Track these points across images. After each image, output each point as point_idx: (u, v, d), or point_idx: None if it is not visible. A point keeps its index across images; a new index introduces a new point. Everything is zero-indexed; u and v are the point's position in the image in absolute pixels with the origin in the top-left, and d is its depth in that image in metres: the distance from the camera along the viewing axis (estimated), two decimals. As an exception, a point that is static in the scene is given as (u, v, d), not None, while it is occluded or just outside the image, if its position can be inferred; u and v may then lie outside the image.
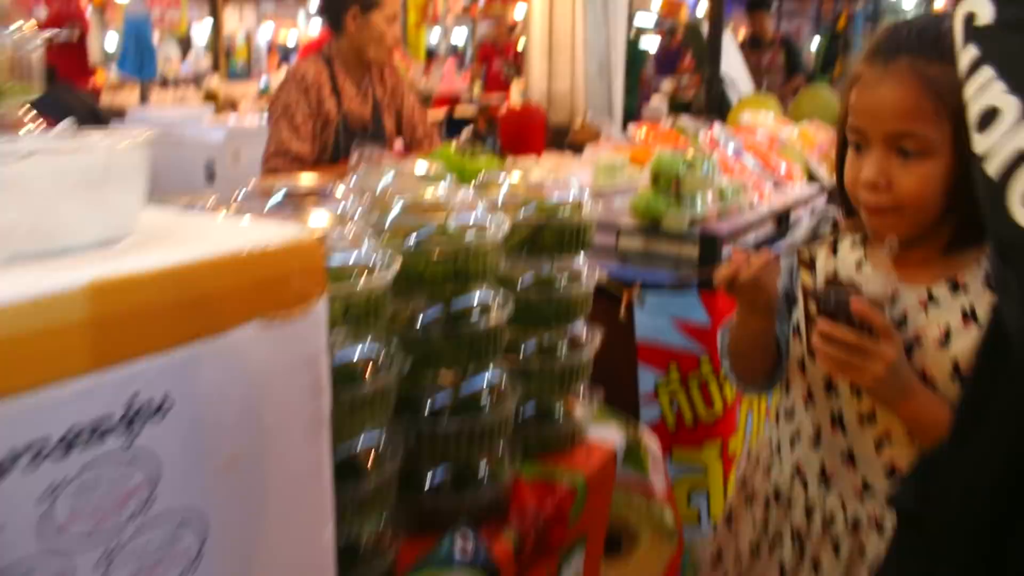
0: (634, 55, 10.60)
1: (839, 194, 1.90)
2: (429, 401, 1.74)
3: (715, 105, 4.96)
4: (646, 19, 15.46)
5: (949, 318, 1.72)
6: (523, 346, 2.05)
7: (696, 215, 3.18)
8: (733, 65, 5.88)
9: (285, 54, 15.20)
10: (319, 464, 1.21)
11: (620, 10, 8.84)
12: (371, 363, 1.51)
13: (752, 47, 8.54)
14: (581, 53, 8.83)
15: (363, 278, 1.46)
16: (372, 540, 1.57)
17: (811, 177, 4.36)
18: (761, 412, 3.61)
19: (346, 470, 1.48)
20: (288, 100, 4.03)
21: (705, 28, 5.79)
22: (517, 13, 12.32)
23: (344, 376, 1.45)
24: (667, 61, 12.90)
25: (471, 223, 1.75)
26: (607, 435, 2.22)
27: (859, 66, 1.75)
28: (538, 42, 9.34)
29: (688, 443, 3.20)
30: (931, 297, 1.75)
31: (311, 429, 1.18)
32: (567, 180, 2.07)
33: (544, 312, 2.02)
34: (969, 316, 1.70)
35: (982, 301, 1.70)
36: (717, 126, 4.21)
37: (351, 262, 1.47)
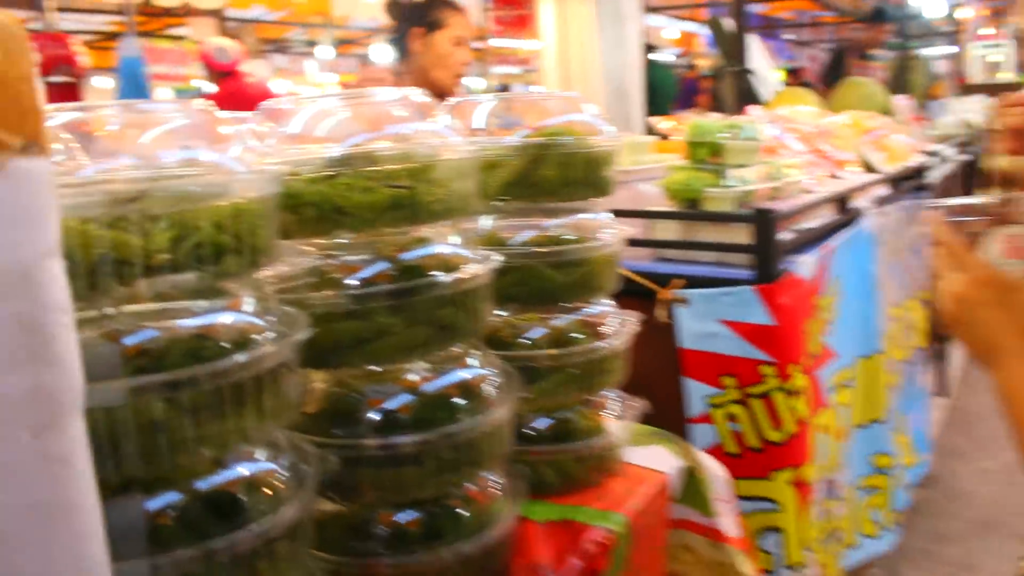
0: (665, 81, 10.07)
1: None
2: (371, 408, 1.09)
3: (745, 100, 4.32)
4: (662, 56, 15.03)
5: None
6: (524, 332, 1.39)
7: (744, 192, 2.52)
8: (760, 63, 5.25)
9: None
10: (53, 492, 0.56)
11: (633, 35, 8.33)
12: (246, 330, 0.87)
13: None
14: (599, 80, 8.30)
15: (222, 186, 0.83)
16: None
17: (866, 167, 3.72)
18: (832, 431, 2.91)
19: (210, 509, 0.84)
20: None
21: (727, 21, 5.15)
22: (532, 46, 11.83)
23: (193, 350, 0.81)
24: (685, 95, 12.36)
25: (431, 135, 1.11)
26: (654, 460, 1.55)
27: None
28: (553, 73, 8.83)
29: (754, 472, 2.51)
30: None
31: (24, 413, 0.54)
32: (574, 100, 1.43)
33: (552, 283, 1.37)
34: None
35: None
36: (752, 109, 3.57)
37: (205, 166, 0.84)
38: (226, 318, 0.88)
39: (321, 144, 1.08)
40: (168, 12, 11.39)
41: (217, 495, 0.87)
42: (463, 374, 1.17)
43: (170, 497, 0.84)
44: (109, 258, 0.76)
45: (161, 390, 0.79)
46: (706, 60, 14.36)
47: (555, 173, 1.33)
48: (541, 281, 1.36)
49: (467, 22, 3.90)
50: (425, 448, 1.08)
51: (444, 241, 1.16)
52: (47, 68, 6.12)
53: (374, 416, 1.10)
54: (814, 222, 2.81)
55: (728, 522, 1.63)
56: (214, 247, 0.82)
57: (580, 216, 1.43)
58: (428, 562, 1.12)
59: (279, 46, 16.77)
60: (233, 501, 0.88)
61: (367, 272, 1.08)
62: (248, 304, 0.92)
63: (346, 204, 1.03)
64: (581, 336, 1.43)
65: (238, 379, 0.83)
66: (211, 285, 0.88)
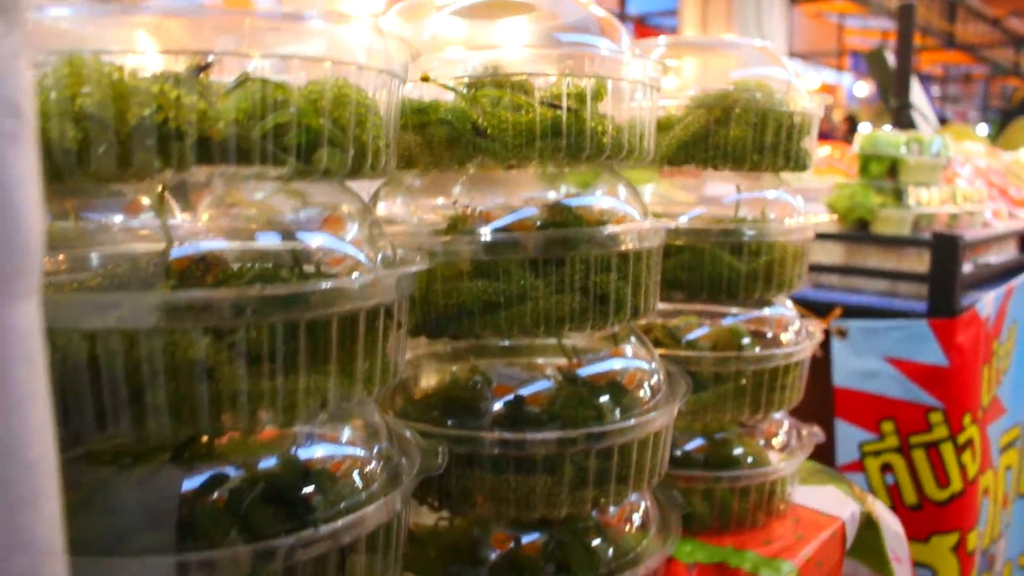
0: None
1: None
2: (497, 395, 0.82)
3: (906, 136, 3.90)
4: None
5: None
6: (683, 329, 1.11)
7: (922, 215, 2.17)
8: (920, 99, 4.82)
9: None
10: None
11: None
12: (340, 259, 0.61)
13: None
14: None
15: (329, 66, 0.57)
16: None
17: (1044, 207, 3.29)
18: (999, 495, 2.51)
19: (265, 497, 0.59)
20: None
21: (890, 56, 4.73)
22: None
23: (264, 274, 0.56)
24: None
25: (606, 51, 0.84)
26: (827, 503, 1.23)
27: None
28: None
29: (910, 532, 2.14)
30: None
31: None
32: (769, 51, 1.14)
33: (729, 271, 1.08)
34: None
35: None
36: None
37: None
38: (317, 239, 0.62)
39: (463, 50, 0.82)
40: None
41: (277, 479, 0.61)
42: (617, 364, 0.88)
43: (213, 475, 0.58)
44: (152, 123, 0.51)
45: (209, 315, 0.53)
46: (840, 111, 13.64)
47: (742, 134, 1.04)
48: (715, 267, 1.06)
49: None
50: (562, 451, 0.80)
51: (609, 192, 0.88)
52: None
53: (499, 406, 0.82)
54: (995, 257, 2.42)
55: (909, 588, 1.30)
56: (307, 132, 0.56)
57: (766, 193, 1.14)
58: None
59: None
60: (297, 490, 0.61)
61: (507, 218, 0.81)
62: (351, 228, 0.66)
63: (488, 124, 0.76)
64: (752, 341, 1.13)
65: (321, 315, 0.57)
66: (299, 192, 0.63)
